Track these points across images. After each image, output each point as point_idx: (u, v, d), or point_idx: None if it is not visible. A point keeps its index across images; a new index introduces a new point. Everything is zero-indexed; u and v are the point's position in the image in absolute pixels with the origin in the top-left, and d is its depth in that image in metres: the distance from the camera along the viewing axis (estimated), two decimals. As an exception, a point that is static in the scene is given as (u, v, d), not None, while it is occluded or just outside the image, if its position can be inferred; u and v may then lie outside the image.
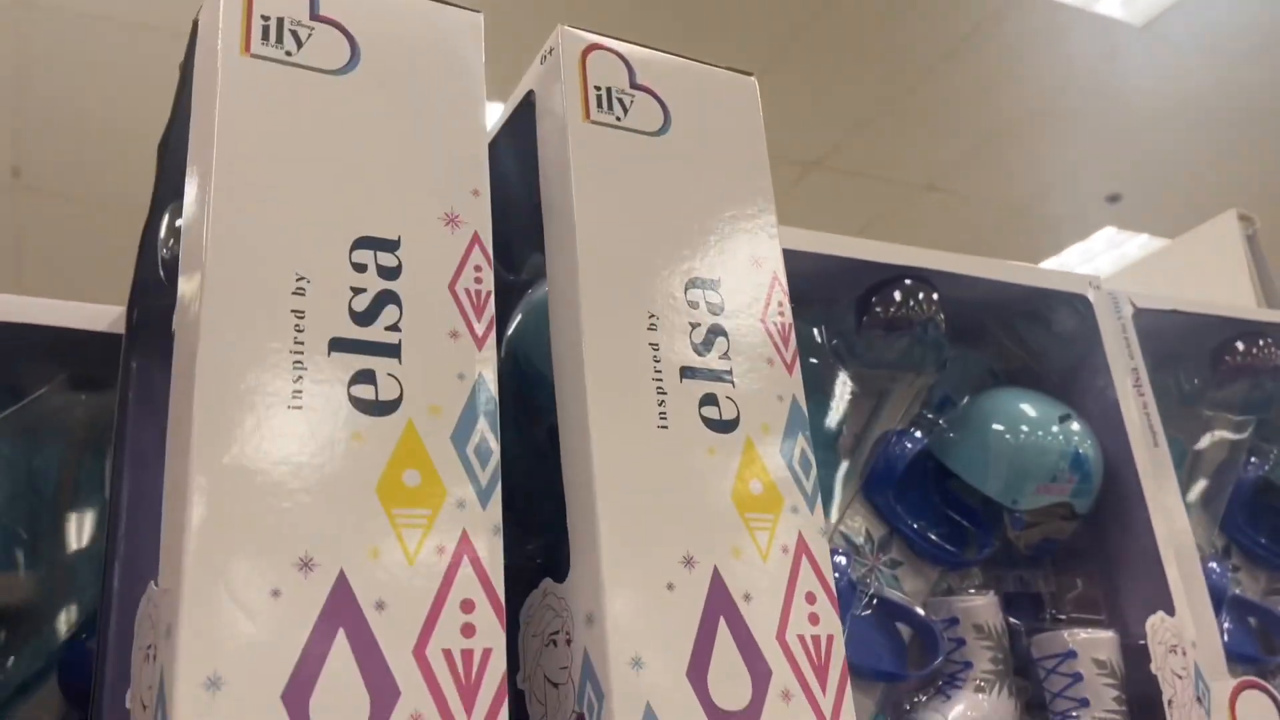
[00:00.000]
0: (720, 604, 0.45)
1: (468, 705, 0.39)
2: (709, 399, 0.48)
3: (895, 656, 0.73)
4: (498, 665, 0.40)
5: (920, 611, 0.73)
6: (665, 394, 0.47)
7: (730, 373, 0.49)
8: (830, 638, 0.46)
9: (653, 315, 0.48)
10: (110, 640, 0.63)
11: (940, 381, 0.82)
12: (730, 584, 0.45)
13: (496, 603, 0.41)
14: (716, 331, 0.50)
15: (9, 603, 0.71)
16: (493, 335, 0.45)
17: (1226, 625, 0.86)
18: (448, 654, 0.39)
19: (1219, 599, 0.84)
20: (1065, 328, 0.83)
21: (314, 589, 0.38)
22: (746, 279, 0.52)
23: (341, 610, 0.38)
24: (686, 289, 0.50)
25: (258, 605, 0.37)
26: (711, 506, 0.46)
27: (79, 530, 0.74)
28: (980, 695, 0.71)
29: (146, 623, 0.40)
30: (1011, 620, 0.75)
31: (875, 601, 0.73)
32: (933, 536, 0.77)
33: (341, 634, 0.38)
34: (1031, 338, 0.84)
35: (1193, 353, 0.94)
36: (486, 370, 0.44)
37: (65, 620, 0.72)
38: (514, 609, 0.48)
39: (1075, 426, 0.77)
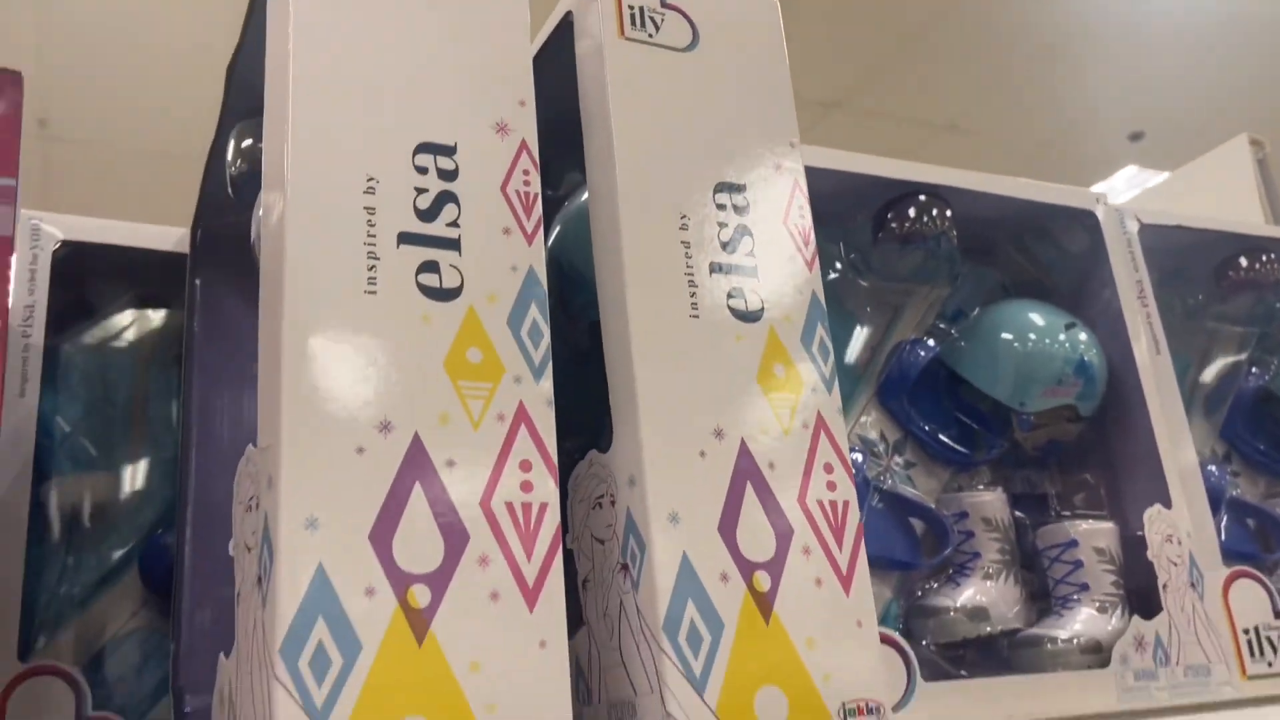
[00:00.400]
0: (747, 471, 0.50)
1: (527, 550, 0.44)
2: (736, 292, 0.53)
3: (909, 547, 0.78)
4: (553, 517, 0.45)
5: (932, 506, 0.78)
6: (696, 287, 0.52)
7: (755, 269, 0.54)
8: (846, 503, 0.52)
9: (684, 216, 0.53)
10: (188, 531, 0.69)
11: (953, 295, 0.86)
12: (756, 454, 0.50)
13: (550, 464, 0.46)
14: (743, 231, 0.54)
15: (88, 502, 0.77)
16: (541, 233, 0.50)
17: (1225, 524, 0.91)
18: (510, 506, 0.45)
19: (1217, 500, 0.89)
20: (1073, 243, 0.87)
21: (393, 448, 0.43)
22: (770, 184, 0.56)
23: (417, 466, 0.44)
24: (715, 193, 0.54)
25: (345, 460, 0.42)
26: (739, 386, 0.51)
27: (150, 437, 0.80)
28: (988, 582, 0.77)
29: (246, 480, 0.46)
30: (1018, 515, 0.81)
31: (890, 497, 0.78)
32: (944, 438, 0.82)
33: (418, 486, 0.43)
34: (1041, 253, 0.89)
35: (1198, 269, 0.98)
36: (536, 263, 0.49)
37: (141, 518, 0.78)
38: (560, 485, 0.53)
39: (1080, 334, 0.81)
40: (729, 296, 0.53)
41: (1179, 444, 0.82)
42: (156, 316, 0.83)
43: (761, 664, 0.47)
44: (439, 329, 0.46)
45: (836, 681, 0.48)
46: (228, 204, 0.67)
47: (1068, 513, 0.81)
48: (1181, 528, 0.78)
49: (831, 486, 0.52)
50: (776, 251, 0.55)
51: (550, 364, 0.48)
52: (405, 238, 0.47)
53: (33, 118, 2.97)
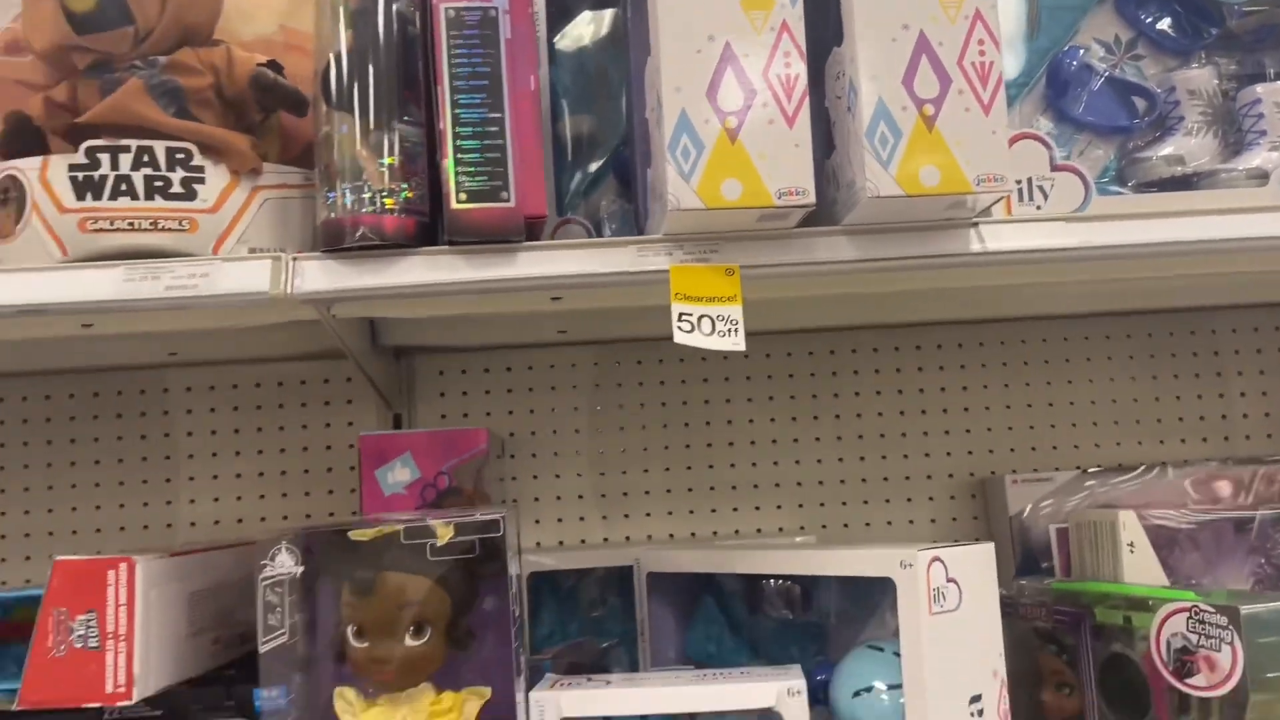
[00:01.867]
0: (923, 47, 0.84)
1: (788, 96, 0.84)
2: (925, -56, 0.85)
3: (1126, 115, 1.05)
4: (801, 82, 0.84)
5: (1144, 83, 1.04)
6: (895, -61, 0.85)
7: (939, -80, 0.85)
8: (991, 63, 0.84)
9: (888, -108, 0.85)
10: (635, 146, 1.16)
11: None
12: (930, 37, 0.84)
13: (801, 52, 0.85)
14: (930, -104, 0.86)
15: (582, 133, 1.27)
16: (796, -82, 0.86)
17: None
18: (778, 75, 0.84)
19: None
20: None
21: (715, 47, 0.84)
22: None
23: (728, 58, 0.84)
24: (911, -126, 0.86)
25: (692, 55, 0.84)
26: (921, -3, 0.85)
27: (610, 91, 1.28)
28: (1188, 138, 1.03)
29: (649, 78, 0.90)
30: (1223, 87, 1.04)
31: (1112, 80, 1.05)
32: (1168, 31, 1.06)
33: (729, 68, 0.84)
34: None
35: None
36: (792, -62, 0.85)
37: (610, 141, 1.27)
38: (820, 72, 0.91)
39: (1292, -70, 0.99)
40: (919, -56, 0.85)
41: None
42: (608, 13, 1.28)
43: (926, 155, 0.83)
44: (737, -16, 0.85)
45: (975, 164, 0.83)
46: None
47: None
48: (1365, 81, 0.97)
49: (983, 53, 0.85)
50: (956, -95, 0.86)
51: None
52: (717, -66, 0.85)
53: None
